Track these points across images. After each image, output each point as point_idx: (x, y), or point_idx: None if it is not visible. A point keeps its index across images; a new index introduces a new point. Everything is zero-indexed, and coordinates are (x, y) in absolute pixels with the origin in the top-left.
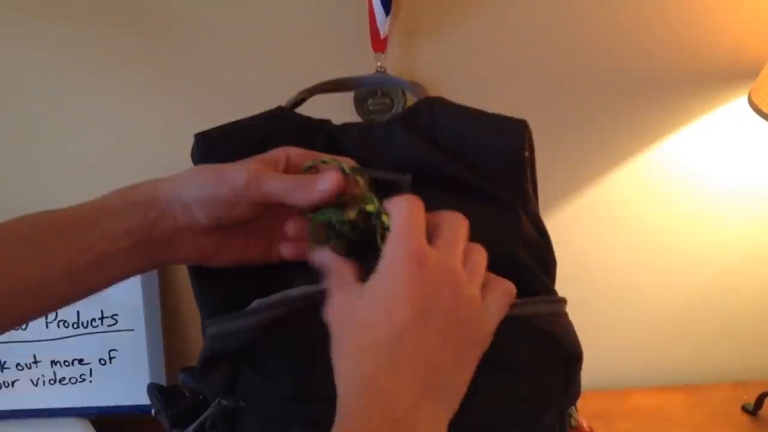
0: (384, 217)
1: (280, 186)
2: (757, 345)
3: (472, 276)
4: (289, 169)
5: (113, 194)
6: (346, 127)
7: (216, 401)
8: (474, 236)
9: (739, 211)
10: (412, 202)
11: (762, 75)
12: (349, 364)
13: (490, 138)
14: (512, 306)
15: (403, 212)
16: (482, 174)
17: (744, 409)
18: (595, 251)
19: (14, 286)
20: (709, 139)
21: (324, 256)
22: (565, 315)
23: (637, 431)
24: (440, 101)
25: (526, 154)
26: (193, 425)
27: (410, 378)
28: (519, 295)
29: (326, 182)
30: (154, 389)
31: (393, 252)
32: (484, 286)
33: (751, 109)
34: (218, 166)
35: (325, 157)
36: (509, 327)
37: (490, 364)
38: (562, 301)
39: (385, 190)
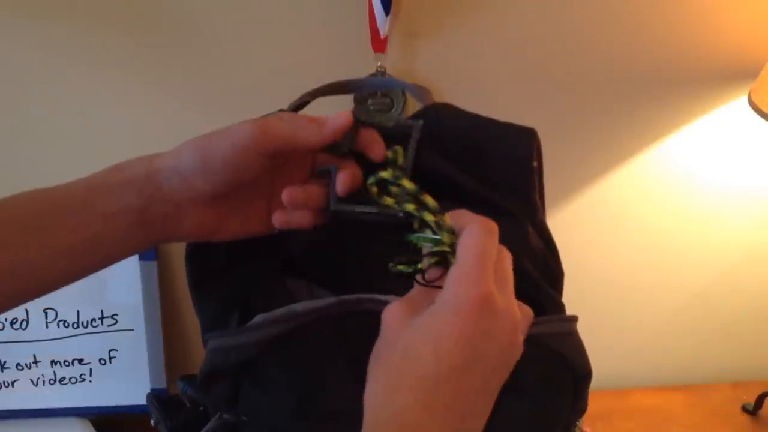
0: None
1: (288, 127)
2: (757, 345)
3: (523, 317)
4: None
5: (106, 172)
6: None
7: (217, 415)
8: None
9: (739, 211)
10: (488, 234)
11: (762, 75)
12: (385, 392)
13: (499, 148)
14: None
15: (477, 246)
16: (489, 184)
17: (744, 409)
18: (595, 251)
19: (7, 267)
20: (709, 139)
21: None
22: (575, 334)
23: (637, 431)
24: (446, 108)
25: (535, 164)
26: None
27: (444, 421)
28: None
29: (337, 119)
30: (153, 399)
31: (458, 292)
32: None
33: (751, 109)
34: (219, 129)
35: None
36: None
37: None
38: (573, 320)
39: (395, 136)
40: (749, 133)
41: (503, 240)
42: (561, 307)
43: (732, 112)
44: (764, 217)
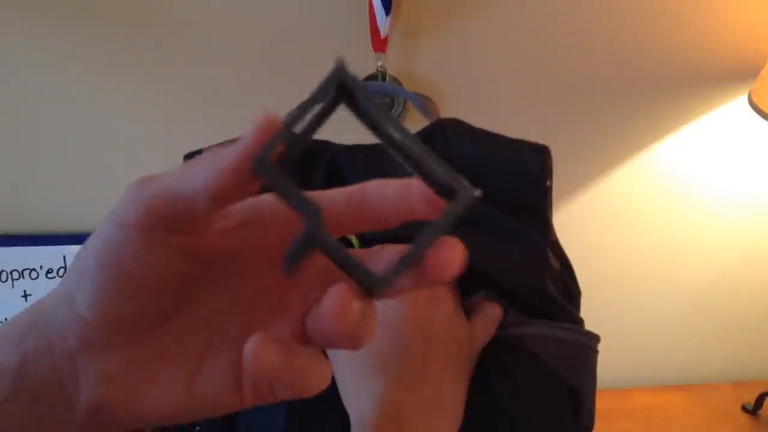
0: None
1: (168, 179)
2: (757, 345)
3: (486, 317)
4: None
5: None
6: (351, 151)
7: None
8: (498, 274)
9: (739, 211)
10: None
11: (762, 75)
12: (362, 386)
13: (511, 169)
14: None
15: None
16: (502, 204)
17: (744, 409)
18: (596, 251)
19: None
20: (709, 139)
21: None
22: (585, 347)
23: (637, 431)
24: (455, 126)
25: (548, 183)
26: None
27: (420, 392)
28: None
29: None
30: None
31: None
32: (471, 311)
33: (751, 109)
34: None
35: None
36: (516, 361)
37: (492, 407)
38: (595, 338)
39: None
40: (749, 133)
41: (524, 264)
42: (580, 323)
43: (732, 112)
44: (764, 217)
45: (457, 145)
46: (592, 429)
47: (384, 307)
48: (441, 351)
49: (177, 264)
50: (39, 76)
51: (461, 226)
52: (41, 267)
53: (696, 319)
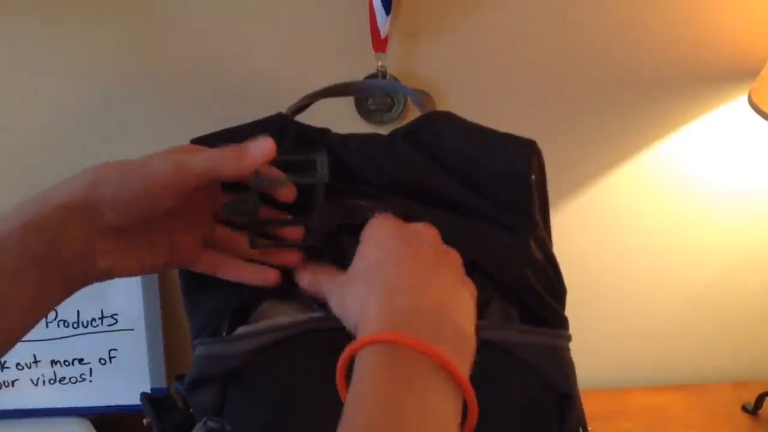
0: None
1: (203, 162)
2: (757, 345)
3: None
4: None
5: None
6: (346, 139)
7: (202, 422)
8: (481, 257)
9: (739, 211)
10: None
11: (762, 75)
12: (345, 284)
13: (496, 163)
14: (511, 330)
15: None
16: (488, 196)
17: (744, 409)
18: (596, 251)
19: None
20: (709, 139)
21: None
22: (563, 350)
23: (637, 431)
24: (445, 118)
25: (533, 178)
26: None
27: (424, 318)
28: (527, 322)
29: (259, 146)
30: (146, 399)
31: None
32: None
33: (751, 109)
34: (133, 160)
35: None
36: (502, 365)
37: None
38: (565, 336)
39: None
40: (749, 133)
41: (505, 250)
42: (564, 322)
43: (732, 112)
44: (764, 217)
45: (446, 138)
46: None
47: (366, 239)
48: (432, 265)
49: (170, 208)
50: (39, 76)
51: (450, 213)
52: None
53: (696, 319)
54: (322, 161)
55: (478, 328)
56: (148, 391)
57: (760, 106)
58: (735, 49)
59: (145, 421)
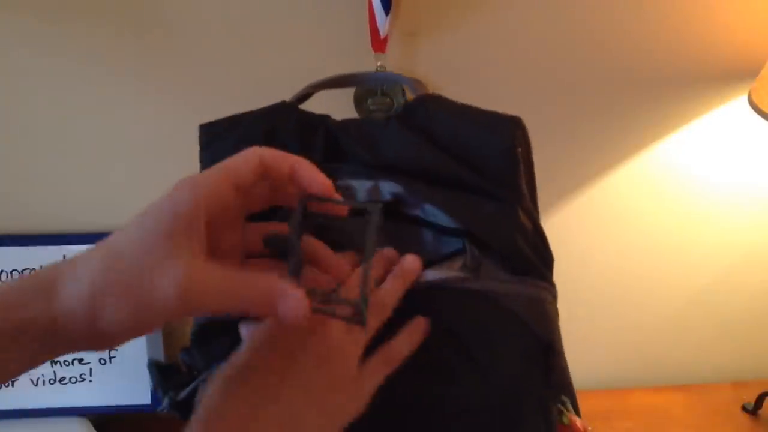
0: None
1: (221, 300)
2: (757, 345)
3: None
4: (266, 172)
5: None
6: (344, 123)
7: (210, 371)
8: (472, 225)
9: (740, 211)
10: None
11: (762, 75)
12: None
13: (483, 137)
14: (499, 282)
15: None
16: (478, 171)
17: (744, 409)
18: (595, 251)
19: None
20: (709, 139)
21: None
22: (546, 302)
23: (637, 431)
24: (435, 99)
25: (519, 151)
26: (187, 389)
27: (265, 410)
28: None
29: (290, 306)
30: (153, 364)
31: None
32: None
33: (751, 109)
34: (137, 273)
35: (282, 229)
36: (484, 316)
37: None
38: (549, 289)
39: (357, 215)
40: (749, 133)
41: (495, 218)
42: (552, 288)
43: (732, 112)
44: (764, 217)
45: (436, 118)
46: (564, 389)
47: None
48: (307, 371)
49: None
50: (39, 76)
51: (442, 188)
52: (41, 267)
53: (696, 319)
54: (376, 210)
55: (466, 281)
56: (148, 391)
57: (760, 106)
58: (735, 49)
59: (151, 385)
